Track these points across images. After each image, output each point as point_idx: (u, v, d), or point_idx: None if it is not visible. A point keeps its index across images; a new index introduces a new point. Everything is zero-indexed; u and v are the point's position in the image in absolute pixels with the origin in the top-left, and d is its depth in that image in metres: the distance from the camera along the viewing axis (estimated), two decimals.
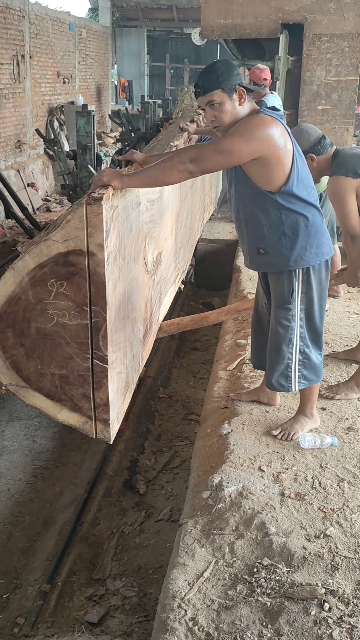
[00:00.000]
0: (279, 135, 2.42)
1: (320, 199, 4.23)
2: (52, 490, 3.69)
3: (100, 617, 2.74)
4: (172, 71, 21.06)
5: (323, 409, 3.27)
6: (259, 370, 3.42)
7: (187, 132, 4.15)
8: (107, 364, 2.28)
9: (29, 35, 10.97)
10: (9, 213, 7.88)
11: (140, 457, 4.04)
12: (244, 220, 2.70)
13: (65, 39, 13.08)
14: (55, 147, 7.47)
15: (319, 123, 7.07)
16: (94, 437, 2.42)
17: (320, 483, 2.68)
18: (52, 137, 11.06)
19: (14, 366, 2.32)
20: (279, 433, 3.00)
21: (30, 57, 11.07)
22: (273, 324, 2.85)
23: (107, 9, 17.76)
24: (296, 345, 2.82)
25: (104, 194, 2.14)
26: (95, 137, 12.43)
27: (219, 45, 15.26)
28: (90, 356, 2.26)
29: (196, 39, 16.90)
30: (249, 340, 3.43)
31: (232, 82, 2.45)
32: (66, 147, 11.30)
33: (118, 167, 2.96)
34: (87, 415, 2.38)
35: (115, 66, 19.63)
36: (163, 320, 3.69)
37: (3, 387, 2.39)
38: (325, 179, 3.67)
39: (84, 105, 5.78)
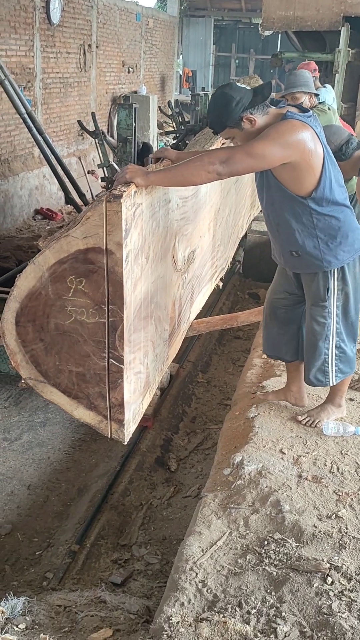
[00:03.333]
0: (309, 140, 2.43)
1: (350, 200, 4.22)
2: (88, 461, 3.91)
3: (124, 579, 2.92)
4: (237, 61, 21.01)
5: (351, 399, 3.33)
6: None
7: None
8: (122, 364, 2.27)
9: (97, 25, 11.23)
10: (68, 199, 8.16)
11: (174, 437, 4.20)
12: (275, 224, 2.72)
13: (132, 29, 13.29)
14: (96, 139, 7.57)
15: None
16: (109, 436, 2.42)
17: (338, 468, 2.77)
18: (106, 127, 11.26)
19: (33, 361, 2.34)
20: (304, 419, 3.06)
21: (97, 47, 11.33)
22: (309, 322, 2.87)
23: None
24: (332, 341, 2.85)
25: (124, 191, 2.11)
26: (154, 127, 12.47)
27: (279, 36, 15.12)
28: (106, 355, 2.25)
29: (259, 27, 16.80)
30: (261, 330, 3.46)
31: (235, 115, 2.44)
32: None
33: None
34: (103, 415, 2.38)
35: (181, 56, 19.73)
36: (202, 317, 3.74)
37: (23, 381, 2.42)
38: (354, 180, 3.64)
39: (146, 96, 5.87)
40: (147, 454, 3.90)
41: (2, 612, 2.36)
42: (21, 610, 2.39)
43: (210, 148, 3.47)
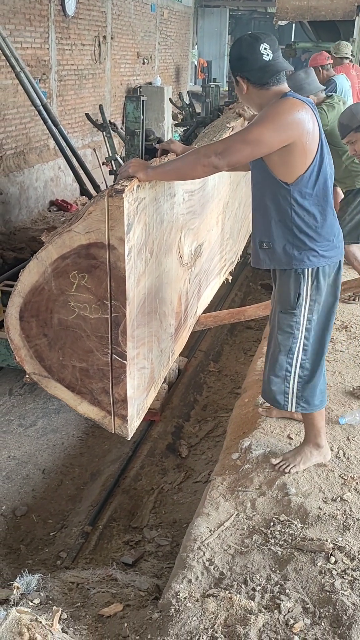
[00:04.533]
0: (308, 120, 2.26)
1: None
2: (101, 447, 4.00)
3: (135, 559, 3.01)
4: None
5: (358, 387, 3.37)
6: None
7: (242, 117, 4.20)
8: (125, 360, 2.25)
9: (111, 16, 11.26)
10: (83, 190, 8.23)
11: (185, 424, 4.28)
12: (254, 208, 2.51)
13: (146, 20, 13.29)
14: (104, 132, 7.23)
15: None
16: (113, 432, 2.41)
17: (344, 453, 2.82)
18: (121, 119, 11.29)
19: (37, 356, 2.33)
20: (278, 463, 2.71)
21: (112, 38, 11.37)
22: (272, 332, 2.61)
23: None
24: (297, 357, 2.55)
25: (126, 186, 2.08)
26: (169, 118, 12.39)
27: (293, 26, 15.04)
28: (109, 351, 2.24)
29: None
30: None
31: (234, 71, 2.36)
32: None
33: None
34: (107, 410, 2.37)
35: (196, 46, 19.67)
36: (213, 309, 3.71)
37: (27, 376, 2.43)
38: None
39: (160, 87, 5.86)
40: (158, 440, 3.99)
41: (18, 587, 2.46)
42: (35, 586, 2.48)
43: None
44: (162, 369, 2.78)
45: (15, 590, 2.43)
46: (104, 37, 11.05)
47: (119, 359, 2.26)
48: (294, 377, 2.58)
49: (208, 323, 3.70)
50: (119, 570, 2.72)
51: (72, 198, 9.90)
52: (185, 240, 2.91)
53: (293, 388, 2.59)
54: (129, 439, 2.49)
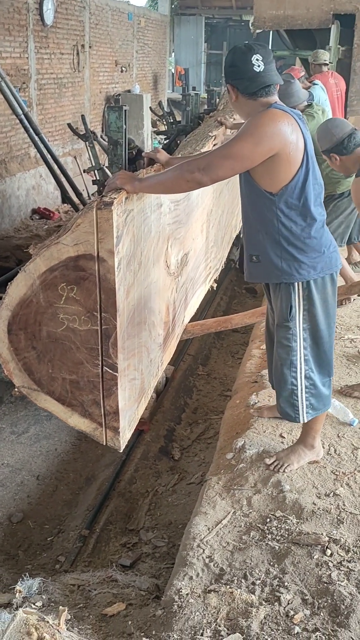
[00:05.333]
0: (291, 132, 2.24)
1: (344, 197, 4.24)
2: (94, 451, 4.04)
3: (133, 561, 3.05)
4: None
5: (346, 385, 3.46)
6: None
7: (224, 126, 4.20)
8: (117, 372, 2.24)
9: (89, 25, 11.33)
10: (65, 197, 8.26)
11: (176, 427, 4.34)
12: (244, 221, 2.53)
13: (124, 29, 13.39)
14: (87, 142, 7.18)
15: None
16: (105, 444, 2.39)
17: (335, 450, 2.90)
18: (100, 126, 11.32)
19: (26, 369, 2.31)
20: (272, 462, 2.77)
21: (90, 47, 11.43)
22: (275, 346, 2.64)
23: None
24: (300, 369, 2.57)
25: (115, 198, 2.09)
26: (148, 125, 12.42)
27: (270, 34, 15.28)
28: (100, 363, 2.23)
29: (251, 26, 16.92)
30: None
31: (226, 76, 2.38)
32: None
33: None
34: (98, 422, 2.35)
35: (173, 54, 19.83)
36: (199, 313, 3.68)
37: (16, 389, 2.41)
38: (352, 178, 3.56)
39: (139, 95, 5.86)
40: (151, 443, 4.04)
41: (20, 591, 2.49)
42: (37, 589, 2.51)
43: (202, 150, 3.36)
44: (151, 379, 2.79)
45: (17, 593, 2.46)
46: (83, 45, 11.12)
47: (110, 371, 2.25)
48: (301, 390, 2.59)
49: (195, 331, 3.69)
50: (118, 571, 2.77)
51: (54, 206, 9.93)
52: (172, 250, 2.93)
53: (302, 400, 2.60)
54: (120, 451, 2.47)
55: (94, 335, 2.21)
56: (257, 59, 2.31)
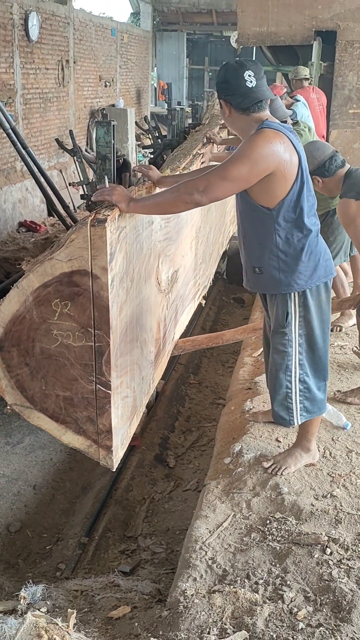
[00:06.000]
0: (284, 150, 2.31)
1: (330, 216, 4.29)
2: (90, 460, 3.98)
3: (132, 567, 3.08)
4: (210, 74, 21.40)
5: (339, 390, 3.55)
6: None
7: (212, 143, 4.20)
8: (110, 390, 2.22)
9: (74, 41, 11.44)
10: (52, 210, 8.31)
11: (170, 435, 4.38)
12: (242, 235, 2.60)
13: (107, 44, 13.54)
14: (75, 157, 7.03)
15: (350, 126, 7.31)
16: (98, 460, 2.38)
17: (330, 453, 2.98)
18: (85, 140, 11.40)
19: (19, 386, 2.28)
20: (270, 466, 2.83)
21: (74, 62, 11.54)
22: (271, 350, 2.70)
23: (148, 14, 18.22)
24: (295, 373, 2.63)
25: (109, 215, 2.08)
26: (132, 139, 12.48)
27: (254, 49, 15.56)
28: (94, 379, 2.21)
29: (235, 42, 17.19)
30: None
31: (219, 93, 2.43)
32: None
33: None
34: (92, 439, 2.32)
35: (155, 69, 20.06)
36: (189, 322, 3.62)
37: (8, 407, 2.36)
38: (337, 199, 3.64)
39: (124, 109, 5.88)
40: (146, 451, 4.08)
41: (24, 597, 2.51)
42: (41, 595, 2.54)
43: (191, 168, 3.37)
44: (143, 397, 2.78)
45: (22, 600, 2.48)
46: (67, 61, 11.22)
47: (103, 389, 2.23)
48: (295, 393, 2.65)
49: (187, 347, 3.70)
50: (120, 577, 2.80)
51: (40, 219, 9.97)
52: (162, 267, 2.93)
53: (296, 403, 2.66)
54: (114, 469, 2.46)
55: (88, 351, 2.18)
56: (249, 75, 2.38)
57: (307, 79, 7.10)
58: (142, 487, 3.77)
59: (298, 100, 6.32)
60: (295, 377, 2.64)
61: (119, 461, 2.44)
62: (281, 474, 2.79)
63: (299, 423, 2.72)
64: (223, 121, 2.59)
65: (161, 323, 2.98)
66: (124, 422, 2.46)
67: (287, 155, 2.33)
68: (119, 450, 2.42)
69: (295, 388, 2.65)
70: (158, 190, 2.61)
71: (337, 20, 7.21)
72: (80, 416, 2.29)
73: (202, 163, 3.68)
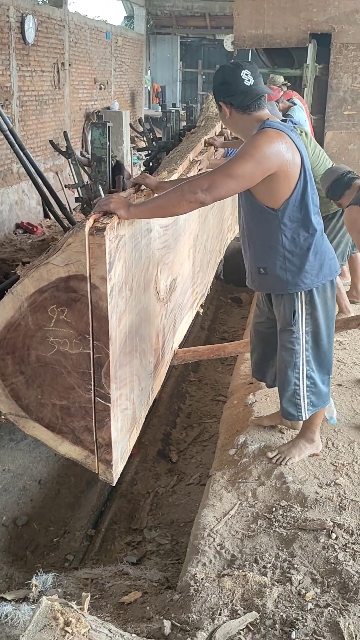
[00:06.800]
0: (286, 149, 2.33)
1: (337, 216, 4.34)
2: None
3: (139, 558, 3.14)
4: (204, 77, 21.52)
5: (339, 385, 3.63)
6: None
7: (212, 147, 4.20)
8: (109, 402, 2.17)
9: (69, 43, 11.52)
10: (50, 211, 8.35)
11: (172, 431, 4.44)
12: (247, 236, 2.60)
13: (102, 47, 13.62)
14: (70, 159, 7.07)
15: (345, 128, 7.42)
16: (97, 472, 2.32)
17: (333, 444, 3.05)
18: (80, 142, 11.48)
19: (14, 395, 2.21)
20: (274, 456, 2.89)
21: (70, 65, 11.62)
22: (279, 349, 2.73)
23: (142, 17, 18.33)
24: (302, 369, 2.68)
25: (107, 223, 2.03)
26: (127, 142, 12.56)
27: (250, 52, 15.74)
28: (92, 387, 2.16)
29: (228, 46, 17.29)
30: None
31: (217, 96, 2.44)
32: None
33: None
34: (90, 449, 2.26)
35: (149, 72, 20.16)
36: (181, 342, 3.53)
37: (2, 417, 2.29)
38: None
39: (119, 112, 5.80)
40: (149, 447, 4.13)
41: (36, 585, 2.56)
42: (52, 583, 2.59)
43: (188, 175, 3.35)
44: (142, 409, 2.73)
45: (33, 588, 2.54)
46: (62, 63, 11.29)
47: (103, 402, 2.16)
48: (303, 389, 2.70)
49: (187, 358, 3.66)
50: (128, 566, 2.85)
51: (36, 221, 10.02)
52: (161, 276, 2.88)
53: (303, 398, 2.71)
54: (113, 484, 2.42)
55: (86, 358, 2.11)
56: (246, 74, 2.41)
57: (286, 84, 7.12)
58: (146, 482, 3.83)
59: (295, 104, 6.40)
60: (302, 373, 2.68)
61: (118, 475, 2.38)
62: (285, 463, 2.85)
63: (307, 418, 2.77)
64: (224, 125, 2.61)
65: (160, 333, 2.94)
66: (123, 435, 2.40)
67: (290, 155, 2.35)
68: (118, 464, 2.37)
69: (303, 384, 2.69)
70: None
71: (332, 23, 7.32)
72: (78, 426, 2.22)
73: (199, 170, 3.63)
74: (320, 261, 2.56)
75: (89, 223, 2.01)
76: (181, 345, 5.39)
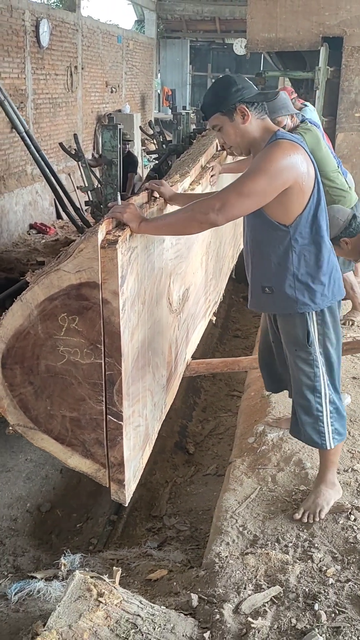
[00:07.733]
0: (302, 161, 2.20)
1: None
2: None
3: (159, 543, 3.24)
4: (213, 80, 21.66)
5: (354, 378, 3.72)
6: None
7: (224, 152, 3.99)
8: (122, 421, 2.09)
9: (82, 47, 11.67)
10: (64, 211, 8.49)
11: (188, 424, 4.55)
12: (251, 253, 2.45)
13: (113, 51, 13.78)
14: (80, 162, 6.76)
15: (357, 129, 7.51)
16: (107, 486, 2.26)
17: (349, 432, 3.14)
18: (92, 145, 11.62)
19: (22, 406, 2.14)
20: (302, 515, 2.57)
21: (82, 68, 11.77)
22: (295, 373, 2.51)
23: (152, 21, 18.50)
24: (324, 394, 2.49)
25: (119, 236, 1.97)
26: (138, 144, 12.68)
27: (262, 56, 15.89)
28: (104, 399, 2.08)
29: (237, 49, 17.44)
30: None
31: (231, 101, 2.23)
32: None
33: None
34: (100, 463, 2.18)
35: (159, 75, 20.33)
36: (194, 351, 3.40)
37: (10, 428, 2.23)
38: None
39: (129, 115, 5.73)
40: (167, 438, 4.24)
41: (64, 564, 2.68)
42: (79, 563, 2.70)
43: (201, 182, 3.25)
44: (155, 424, 2.63)
45: (62, 567, 2.65)
46: (75, 67, 11.45)
47: (115, 420, 2.09)
48: (326, 415, 2.51)
49: (200, 370, 3.53)
50: (151, 548, 2.96)
51: (49, 221, 10.16)
52: (174, 286, 2.78)
53: (327, 425, 2.52)
54: (126, 504, 2.36)
55: (98, 369, 2.03)
56: (243, 81, 2.32)
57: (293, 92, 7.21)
58: (165, 472, 3.93)
59: (306, 105, 6.50)
60: (325, 398, 2.50)
61: (131, 495, 2.30)
62: (319, 519, 2.55)
63: (332, 447, 2.55)
64: (230, 140, 2.33)
65: (172, 344, 2.85)
66: (136, 452, 2.33)
67: (305, 167, 2.21)
68: (131, 483, 2.29)
69: (326, 410, 2.51)
70: (169, 208, 2.50)
71: (344, 26, 7.43)
72: (88, 438, 2.14)
73: (211, 176, 3.54)
74: (329, 279, 2.40)
75: (102, 229, 1.96)
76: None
